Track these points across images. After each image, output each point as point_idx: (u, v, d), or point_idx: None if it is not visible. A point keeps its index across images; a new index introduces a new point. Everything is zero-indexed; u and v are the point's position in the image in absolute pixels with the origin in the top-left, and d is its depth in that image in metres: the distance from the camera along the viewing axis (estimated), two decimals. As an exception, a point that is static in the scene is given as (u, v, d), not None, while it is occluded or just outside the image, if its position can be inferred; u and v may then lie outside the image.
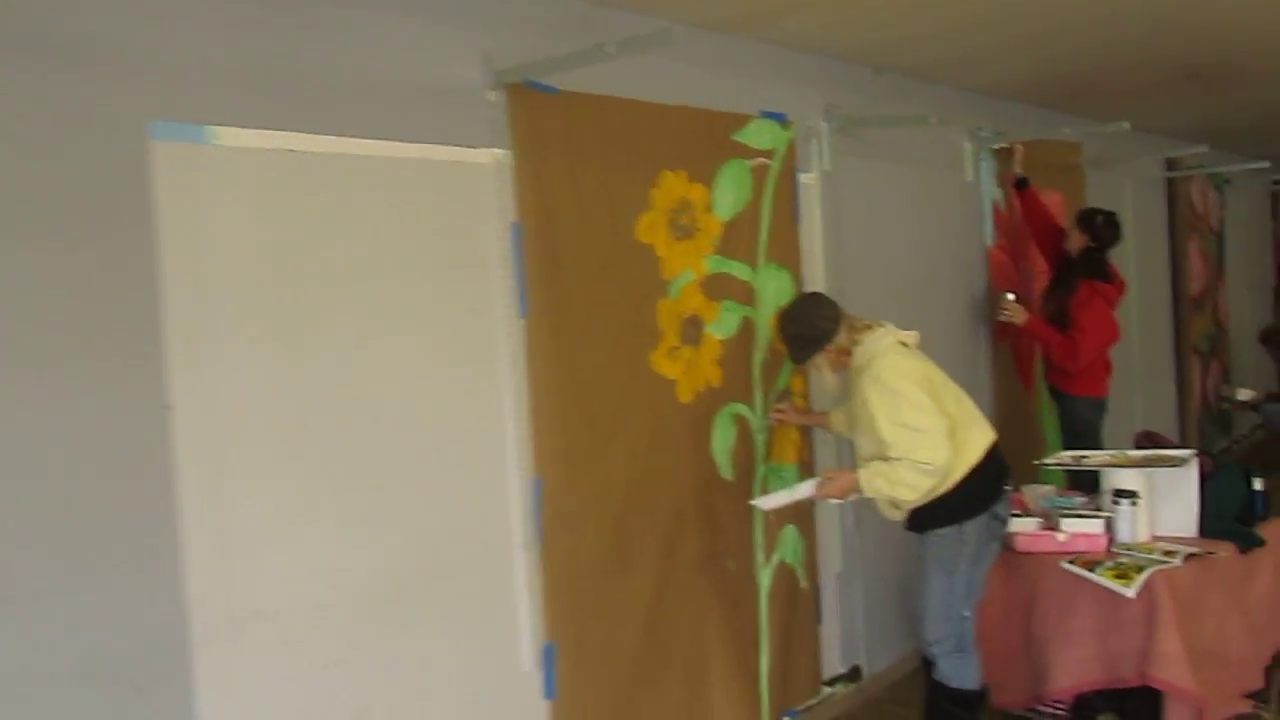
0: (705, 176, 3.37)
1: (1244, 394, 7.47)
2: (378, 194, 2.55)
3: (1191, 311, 7.28)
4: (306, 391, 2.39)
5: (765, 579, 3.59)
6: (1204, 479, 3.66)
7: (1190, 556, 3.34)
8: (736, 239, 3.48)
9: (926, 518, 3.11)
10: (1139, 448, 3.89)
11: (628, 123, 3.13)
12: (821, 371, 3.22)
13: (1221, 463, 3.86)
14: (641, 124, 3.17)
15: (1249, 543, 3.51)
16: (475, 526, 2.74)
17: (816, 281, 3.84)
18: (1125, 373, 6.39)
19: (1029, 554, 3.52)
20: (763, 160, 3.59)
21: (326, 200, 2.45)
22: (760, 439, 3.58)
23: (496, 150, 2.79)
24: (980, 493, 3.08)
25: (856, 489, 3.06)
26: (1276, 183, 9.27)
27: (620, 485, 3.07)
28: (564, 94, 2.91)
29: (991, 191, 4.94)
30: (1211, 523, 3.58)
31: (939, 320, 4.58)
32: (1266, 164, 6.61)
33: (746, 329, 3.51)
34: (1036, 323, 4.70)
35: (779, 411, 3.53)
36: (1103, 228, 4.80)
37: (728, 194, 3.45)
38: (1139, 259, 6.57)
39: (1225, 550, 3.49)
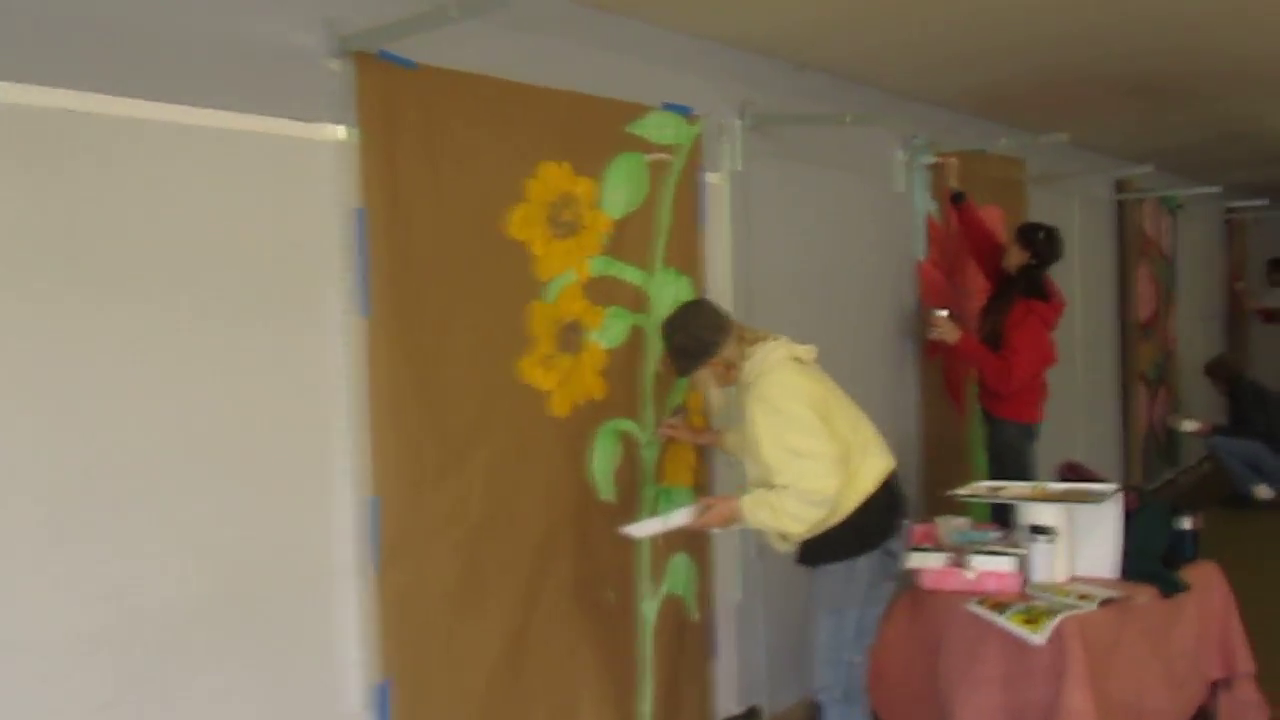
0: (593, 170, 3.08)
1: (1189, 425, 7.27)
2: (190, 168, 2.23)
3: (1139, 338, 7.08)
4: (82, 391, 2.07)
5: (650, 611, 3.29)
6: (1129, 516, 3.40)
7: (1107, 601, 3.07)
8: (628, 240, 3.19)
9: (815, 552, 2.82)
10: (1062, 479, 3.62)
11: (501, 106, 2.83)
12: (707, 387, 2.94)
13: (1147, 499, 3.60)
14: (518, 108, 2.87)
15: (1172, 587, 3.25)
16: (295, 548, 2.42)
17: (721, 290, 3.56)
18: (1068, 399, 6.16)
19: (936, 592, 3.24)
20: (662, 156, 3.31)
21: (121, 172, 2.13)
22: (649, 458, 3.28)
23: (339, 127, 2.48)
24: (873, 526, 2.80)
25: (739, 518, 2.76)
26: (1230, 211, 9.11)
27: (477, 505, 2.76)
28: (424, 69, 2.61)
29: (925, 203, 4.68)
30: (1134, 564, 3.32)
31: (863, 336, 4.32)
32: (1218, 189, 6.42)
33: (636, 338, 3.22)
34: (969, 342, 4.42)
35: (670, 426, 3.24)
36: (1043, 244, 4.55)
37: (619, 190, 3.16)
38: (1085, 282, 6.36)
39: (1147, 594, 3.23)
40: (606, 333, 3.12)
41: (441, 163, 2.68)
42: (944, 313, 4.38)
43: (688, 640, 3.42)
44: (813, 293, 4.00)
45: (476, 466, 2.76)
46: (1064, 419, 6.21)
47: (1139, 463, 6.95)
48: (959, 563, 3.26)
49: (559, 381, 2.98)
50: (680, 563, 3.37)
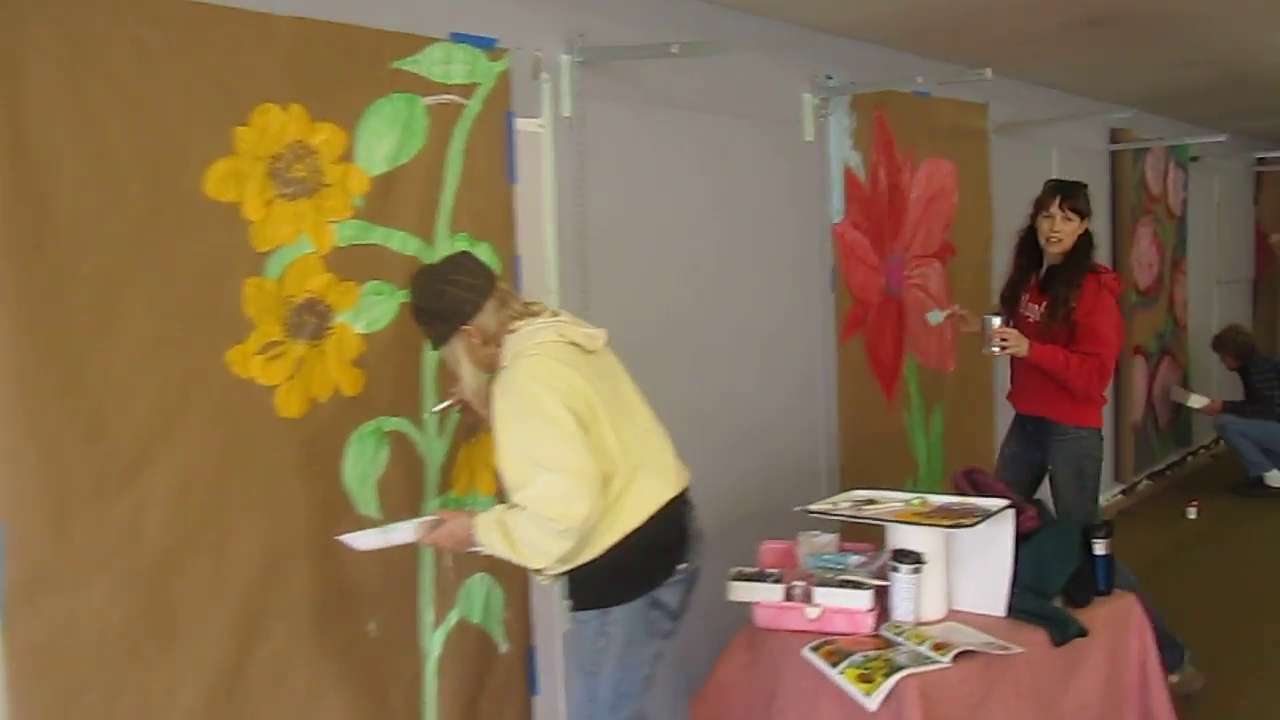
0: (342, 114, 2.51)
1: (1196, 400, 6.53)
2: None
3: (1138, 306, 6.33)
4: None
5: (435, 644, 2.76)
6: (1025, 539, 2.78)
7: (963, 654, 2.47)
8: (396, 200, 2.62)
9: (571, 593, 2.26)
10: (958, 491, 3.00)
11: (195, 33, 2.26)
12: (458, 366, 2.36)
13: (1051, 518, 2.96)
14: (222, 37, 2.30)
15: (1063, 633, 2.63)
16: None
17: (544, 262, 2.98)
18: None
19: (772, 632, 2.67)
20: (450, 98, 2.72)
21: None
22: (433, 462, 2.74)
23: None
24: (636, 569, 2.23)
25: (472, 540, 2.21)
26: (1261, 161, 8.23)
27: (159, 528, 2.23)
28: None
29: (844, 154, 4.03)
30: (1024, 600, 2.71)
31: (759, 311, 3.71)
32: (1223, 137, 5.64)
33: (411, 319, 2.66)
34: (1045, 349, 3.41)
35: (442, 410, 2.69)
36: (1089, 201, 3.61)
37: (382, 139, 2.59)
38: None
39: (1034, 639, 2.62)
40: (364, 314, 2.57)
41: (104, 106, 2.13)
42: (998, 320, 3.45)
43: (494, 677, 2.89)
44: (682, 263, 3.40)
45: (158, 480, 2.23)
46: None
47: (1130, 449, 6.24)
48: (806, 595, 2.68)
49: (288, 374, 2.43)
50: (479, 585, 2.84)
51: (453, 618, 2.78)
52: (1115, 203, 6.09)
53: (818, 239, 3.93)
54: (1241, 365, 6.43)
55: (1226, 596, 4.71)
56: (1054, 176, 5.42)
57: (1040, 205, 3.57)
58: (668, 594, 2.27)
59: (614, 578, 2.20)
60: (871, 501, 2.89)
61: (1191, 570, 5.09)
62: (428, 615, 2.74)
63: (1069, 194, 3.51)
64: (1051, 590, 2.77)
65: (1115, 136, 6.04)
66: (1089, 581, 2.86)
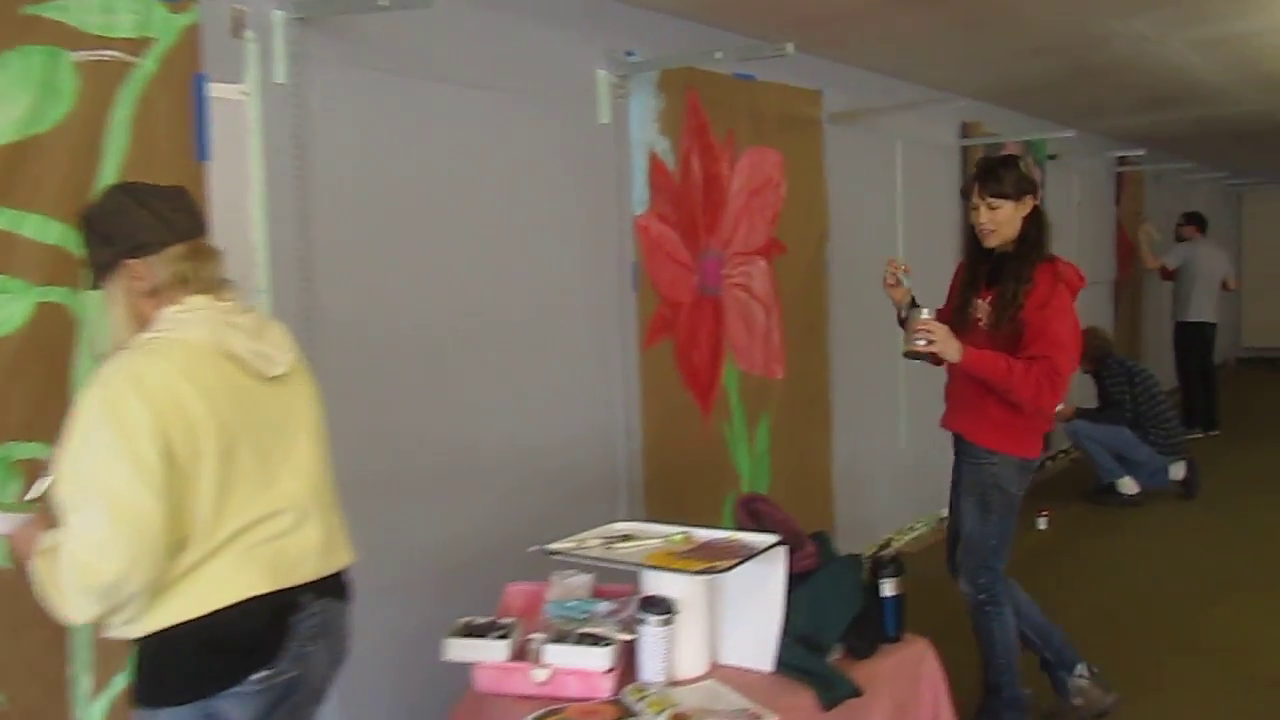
0: (-60, 67, 2.01)
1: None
2: None
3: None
4: None
5: (95, 715, 2.28)
6: (800, 580, 2.42)
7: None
8: (31, 176, 2.13)
9: (132, 674, 1.80)
10: (738, 526, 2.62)
11: None
12: (113, 314, 1.82)
13: (832, 554, 2.61)
14: None
15: (832, 695, 2.27)
16: None
17: (250, 256, 2.51)
18: (885, 389, 5.21)
19: (496, 698, 2.26)
20: (112, 54, 2.24)
21: None
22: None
23: None
24: (182, 668, 1.72)
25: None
26: (1122, 160, 8.14)
27: None
28: None
29: (649, 139, 3.63)
30: (792, 654, 2.34)
31: (543, 315, 3.29)
32: (1071, 133, 5.43)
33: (54, 322, 2.17)
34: (979, 354, 2.89)
35: None
36: (1034, 180, 3.20)
37: (9, 101, 2.09)
38: (917, 243, 5.36)
39: (800, 704, 2.26)
40: (-14, 316, 2.08)
41: None
42: (926, 311, 2.89)
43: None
44: (441, 261, 2.96)
45: None
46: (884, 410, 5.25)
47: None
48: (537, 654, 2.27)
49: None
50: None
51: (120, 683, 2.31)
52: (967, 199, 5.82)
53: (616, 232, 3.53)
54: (1095, 369, 6.26)
55: (1076, 612, 4.47)
56: (898, 170, 5.17)
57: (964, 196, 3.19)
58: (233, 707, 1.73)
59: (152, 672, 1.73)
60: (629, 537, 2.49)
61: (1040, 585, 4.82)
62: (84, 682, 2.26)
63: (986, 178, 3.06)
64: (829, 639, 2.41)
65: (966, 131, 5.79)
66: (875, 627, 2.51)
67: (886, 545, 5.20)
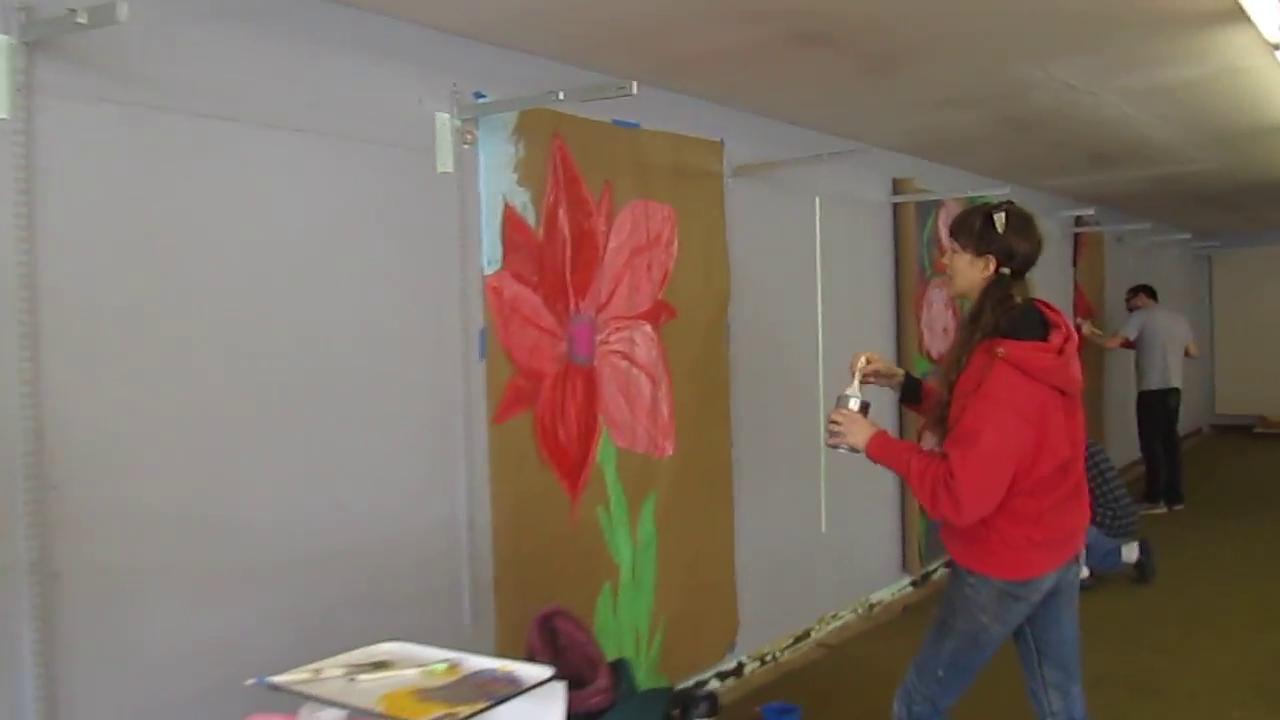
0: None
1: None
2: None
3: (931, 376, 5.69)
4: None
5: None
6: (596, 717, 1.98)
7: None
8: None
9: None
10: (528, 649, 2.19)
11: None
12: None
13: (631, 687, 2.18)
14: None
15: None
16: None
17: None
18: (807, 462, 4.79)
19: None
20: None
21: None
22: None
23: None
24: None
25: None
26: (1079, 221, 7.80)
27: None
28: None
29: (503, 190, 3.25)
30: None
31: (358, 392, 2.87)
32: (1007, 189, 5.06)
33: None
34: (891, 446, 2.61)
35: None
36: (1010, 232, 2.53)
37: None
38: (841, 306, 4.99)
39: None
40: None
41: None
42: (855, 401, 2.66)
43: None
44: (214, 321, 2.54)
45: None
46: (801, 494, 4.83)
47: (918, 535, 5.57)
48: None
49: None
50: None
51: None
52: (899, 261, 5.47)
53: (459, 295, 3.13)
54: None
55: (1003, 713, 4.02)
56: (817, 227, 4.80)
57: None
58: None
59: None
60: (384, 665, 2.05)
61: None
62: None
63: (955, 221, 2.66)
64: (627, 795, 1.97)
65: (897, 187, 5.44)
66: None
67: (806, 635, 4.75)
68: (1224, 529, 7.01)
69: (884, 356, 5.20)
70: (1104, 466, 5.69)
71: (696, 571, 4.04)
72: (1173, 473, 7.65)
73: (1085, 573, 5.59)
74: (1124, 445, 8.13)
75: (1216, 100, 4.54)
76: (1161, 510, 7.56)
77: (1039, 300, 2.59)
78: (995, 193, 5.21)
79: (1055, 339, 2.46)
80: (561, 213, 3.45)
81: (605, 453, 3.63)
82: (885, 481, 5.39)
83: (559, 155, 3.44)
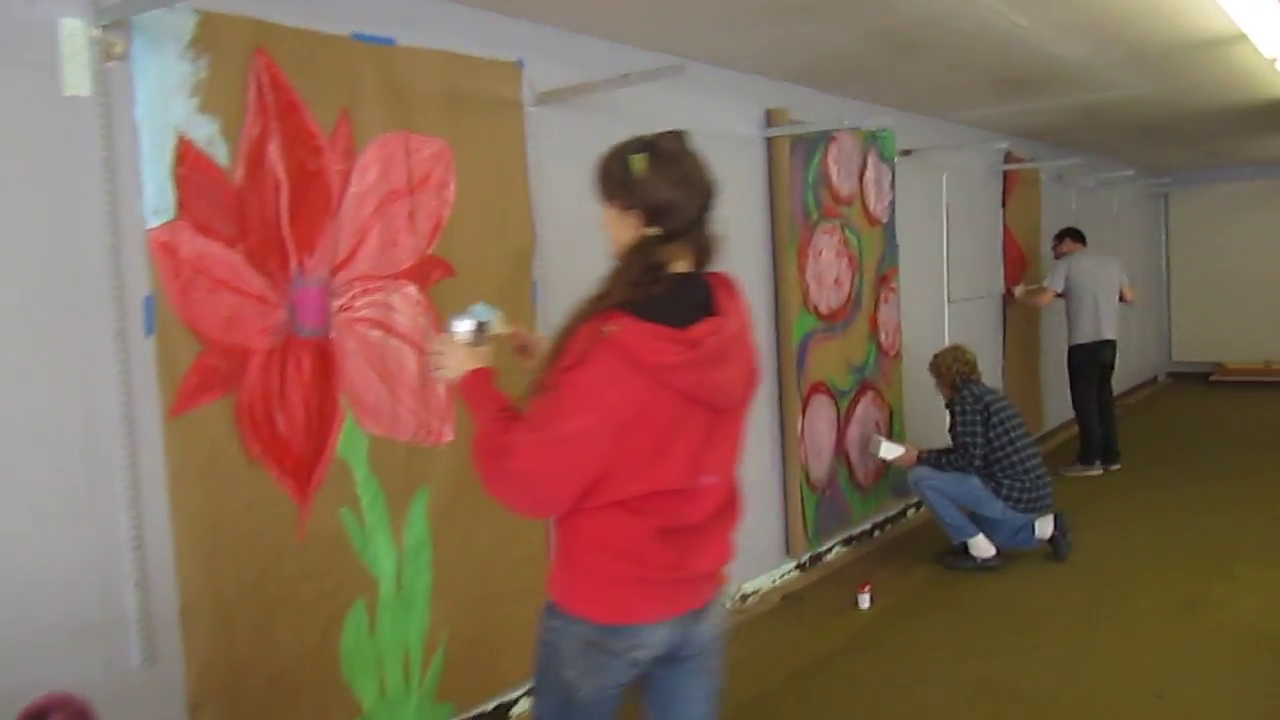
0: None
1: (888, 449, 5.27)
2: None
3: (819, 334, 5.06)
4: None
5: None
6: None
7: None
8: None
9: None
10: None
11: None
12: None
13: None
14: None
15: None
16: None
17: None
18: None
19: None
20: None
21: None
22: None
23: None
24: None
25: None
26: (1009, 157, 7.11)
27: None
28: None
29: (174, 121, 2.56)
30: None
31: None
32: (890, 120, 4.38)
33: None
34: (476, 386, 1.97)
35: None
36: (656, 178, 1.86)
37: None
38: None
39: None
40: None
41: None
42: (466, 323, 2.04)
43: None
44: None
45: None
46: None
47: (802, 514, 4.94)
48: None
49: None
50: None
51: None
52: (774, 204, 4.78)
53: (108, 253, 2.44)
54: (950, 400, 5.21)
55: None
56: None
57: None
58: None
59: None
60: None
61: (851, 685, 3.79)
62: None
63: (599, 161, 1.99)
64: None
65: (771, 119, 4.74)
66: None
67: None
68: (1161, 492, 6.41)
69: (756, 310, 4.58)
70: (1013, 429, 5.07)
71: (493, 578, 3.41)
72: (1109, 431, 7.04)
73: (991, 552, 5.02)
74: (1061, 405, 7.50)
75: (1126, 10, 3.85)
76: (1097, 472, 6.96)
77: (714, 275, 1.91)
78: (875, 123, 4.53)
79: (702, 328, 1.79)
80: (272, 149, 2.76)
81: (351, 444, 2.98)
82: (759, 452, 4.76)
83: (265, 76, 2.74)
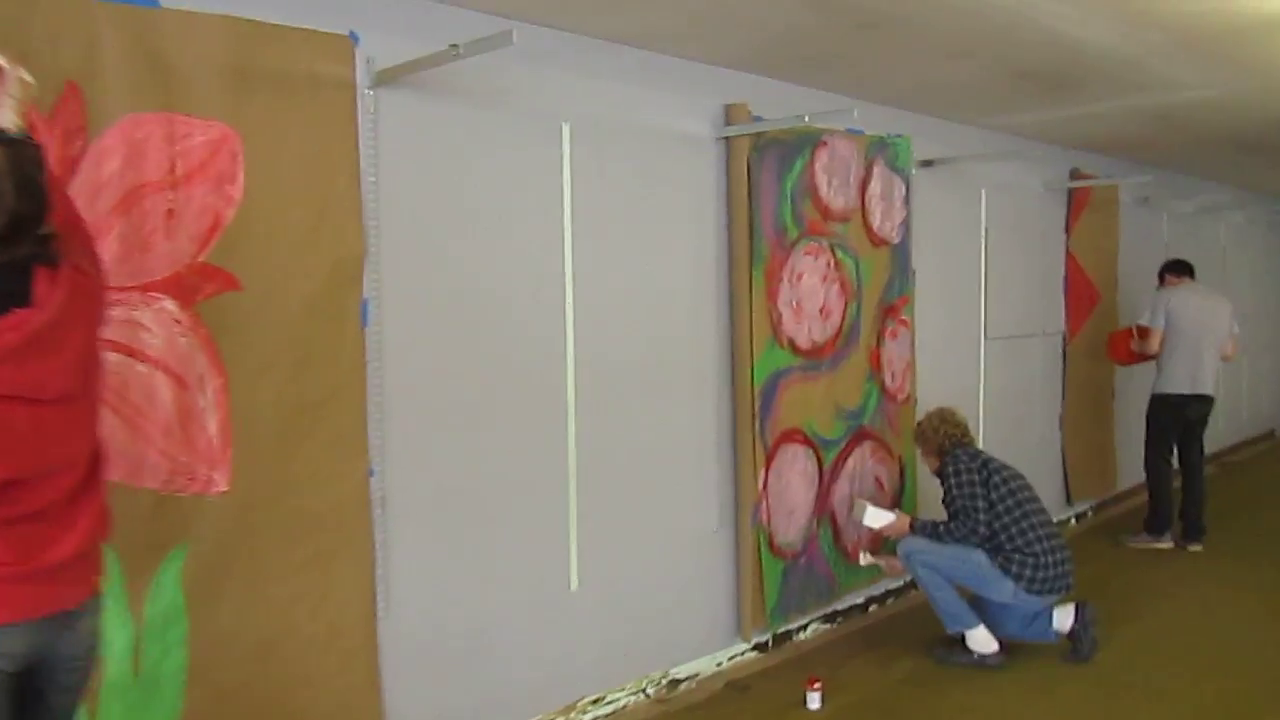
0: None
1: (874, 516, 4.44)
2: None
3: (793, 373, 4.29)
4: None
5: None
6: None
7: None
8: None
9: None
10: None
11: None
12: None
13: None
14: None
15: None
16: None
17: None
18: (544, 491, 3.51)
19: None
20: None
21: None
22: None
23: None
24: None
25: None
26: (1076, 174, 6.15)
27: None
28: None
29: None
30: None
31: None
32: (854, 112, 3.59)
33: None
34: None
35: None
36: None
37: None
38: (627, 282, 3.66)
39: None
40: None
41: None
42: None
43: None
44: None
45: None
46: (537, 539, 3.54)
47: (755, 589, 4.16)
48: None
49: None
50: None
51: None
52: (731, 216, 4.05)
53: None
54: (941, 467, 4.36)
55: None
56: (566, 171, 3.47)
57: None
58: None
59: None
60: None
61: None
62: None
63: None
64: None
65: (730, 116, 4.02)
66: None
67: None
68: (1240, 579, 5.34)
69: (704, 345, 3.84)
70: (1023, 495, 4.19)
71: (280, 658, 2.79)
72: (1193, 501, 5.95)
73: (993, 647, 4.15)
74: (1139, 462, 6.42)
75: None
76: (1166, 545, 5.91)
77: (47, 265, 1.76)
78: (838, 111, 3.75)
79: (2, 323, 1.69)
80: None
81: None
82: (699, 510, 4.02)
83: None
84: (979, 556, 4.16)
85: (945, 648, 4.27)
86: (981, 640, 4.17)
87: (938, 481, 4.41)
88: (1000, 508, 4.16)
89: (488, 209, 3.23)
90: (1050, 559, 4.12)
